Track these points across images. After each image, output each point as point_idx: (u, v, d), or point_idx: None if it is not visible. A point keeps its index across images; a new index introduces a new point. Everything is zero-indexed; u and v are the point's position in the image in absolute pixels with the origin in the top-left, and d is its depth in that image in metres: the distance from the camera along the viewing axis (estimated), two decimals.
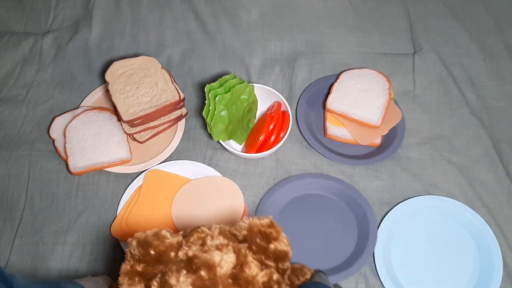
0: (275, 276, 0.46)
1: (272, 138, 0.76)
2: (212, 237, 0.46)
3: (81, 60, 0.92)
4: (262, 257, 0.46)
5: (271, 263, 0.46)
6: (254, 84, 0.79)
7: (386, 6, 0.99)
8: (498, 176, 0.78)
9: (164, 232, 0.47)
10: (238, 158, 0.80)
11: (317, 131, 0.84)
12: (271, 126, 0.76)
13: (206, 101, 0.74)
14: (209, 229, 0.48)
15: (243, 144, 0.81)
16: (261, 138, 0.76)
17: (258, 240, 0.46)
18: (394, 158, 0.80)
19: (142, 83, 0.79)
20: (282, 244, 0.47)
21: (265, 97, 0.81)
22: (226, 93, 0.73)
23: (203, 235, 0.47)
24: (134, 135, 0.79)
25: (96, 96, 0.87)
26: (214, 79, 0.86)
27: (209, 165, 0.78)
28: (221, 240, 0.46)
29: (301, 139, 0.82)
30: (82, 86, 0.89)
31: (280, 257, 0.47)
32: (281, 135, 0.77)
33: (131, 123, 0.76)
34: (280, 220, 0.74)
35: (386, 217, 0.73)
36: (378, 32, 0.96)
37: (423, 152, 0.81)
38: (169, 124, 0.81)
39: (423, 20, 0.97)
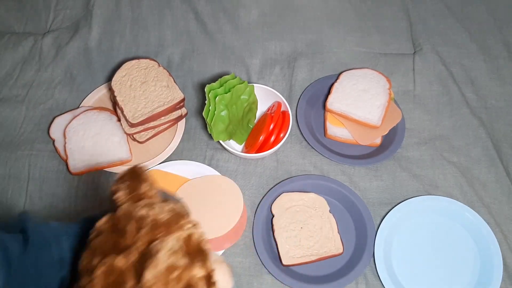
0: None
1: (272, 138, 0.76)
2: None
3: (81, 60, 0.92)
4: None
5: None
6: (254, 84, 0.79)
7: (386, 6, 0.99)
8: (498, 176, 0.78)
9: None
10: (238, 158, 0.80)
11: (317, 131, 0.84)
12: (271, 126, 0.76)
13: (206, 101, 0.74)
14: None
15: (243, 144, 0.81)
16: (261, 138, 0.76)
17: None
18: (394, 158, 0.80)
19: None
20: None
21: (265, 97, 0.81)
22: (226, 93, 0.73)
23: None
24: (134, 135, 0.79)
25: (96, 96, 0.87)
26: (214, 79, 0.86)
27: (209, 165, 0.78)
28: None
29: (301, 139, 0.82)
30: (82, 86, 0.89)
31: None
32: (281, 135, 0.77)
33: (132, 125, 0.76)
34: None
35: (386, 217, 0.73)
36: (378, 32, 0.96)
37: (423, 152, 0.81)
38: (169, 124, 0.81)
39: (423, 20, 0.97)
